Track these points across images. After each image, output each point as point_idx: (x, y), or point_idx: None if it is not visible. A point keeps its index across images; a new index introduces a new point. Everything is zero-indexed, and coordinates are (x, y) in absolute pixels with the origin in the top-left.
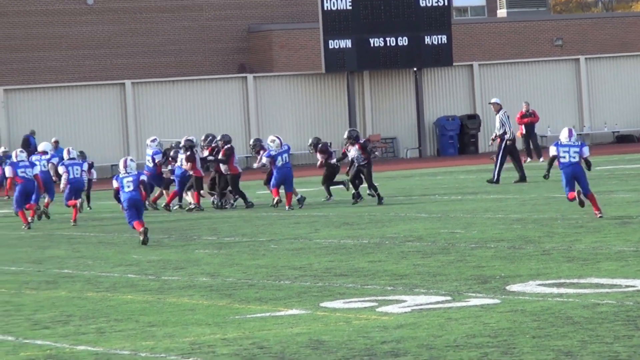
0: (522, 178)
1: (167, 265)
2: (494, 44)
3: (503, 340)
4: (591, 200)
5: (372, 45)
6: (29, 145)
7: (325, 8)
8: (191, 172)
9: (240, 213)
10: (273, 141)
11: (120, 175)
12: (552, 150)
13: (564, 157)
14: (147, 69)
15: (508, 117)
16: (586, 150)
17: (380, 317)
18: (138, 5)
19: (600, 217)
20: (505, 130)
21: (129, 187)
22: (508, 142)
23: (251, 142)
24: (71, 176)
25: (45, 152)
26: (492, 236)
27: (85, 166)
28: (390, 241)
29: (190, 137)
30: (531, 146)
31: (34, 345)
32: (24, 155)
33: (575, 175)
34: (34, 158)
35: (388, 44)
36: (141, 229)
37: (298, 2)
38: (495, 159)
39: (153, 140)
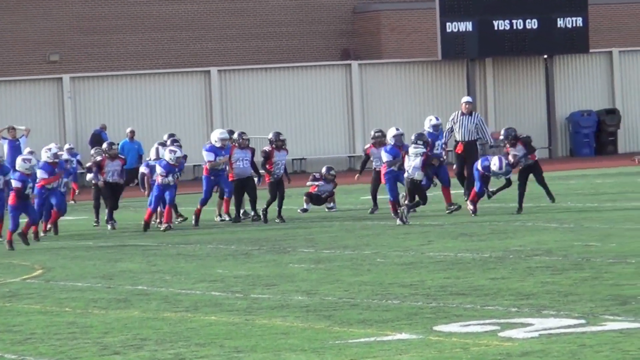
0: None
1: (256, 282)
2: (638, 28)
3: None
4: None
5: (496, 28)
6: (100, 142)
7: None
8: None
9: (343, 222)
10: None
11: None
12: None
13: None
14: (237, 54)
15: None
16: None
17: (503, 343)
18: None
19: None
20: (481, 136)
21: None
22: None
23: (373, 132)
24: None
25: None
26: (633, 250)
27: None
28: (515, 255)
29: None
30: None
31: None
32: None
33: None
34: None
35: (515, 27)
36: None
37: None
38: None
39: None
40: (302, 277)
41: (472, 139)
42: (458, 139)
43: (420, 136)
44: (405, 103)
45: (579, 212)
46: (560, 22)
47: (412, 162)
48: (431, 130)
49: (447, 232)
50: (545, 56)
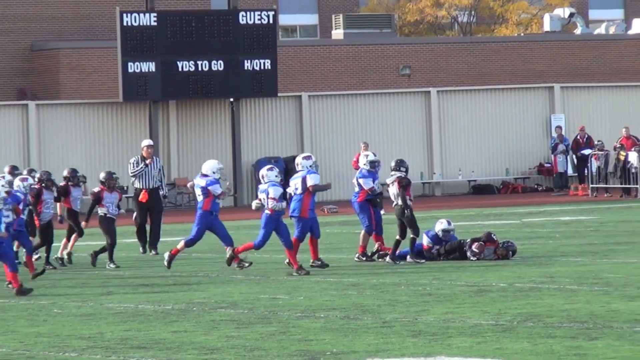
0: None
1: None
2: (328, 72)
3: None
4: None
5: (180, 69)
6: None
7: (125, 23)
8: None
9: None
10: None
11: None
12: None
13: None
14: None
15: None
16: None
17: None
18: None
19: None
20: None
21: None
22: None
23: (105, 173)
24: None
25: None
26: (321, 303)
27: None
28: (198, 307)
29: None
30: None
31: None
32: None
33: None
34: None
35: (200, 69)
36: None
37: (92, 15)
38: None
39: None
40: None
41: (157, 185)
42: (139, 187)
43: (401, 162)
44: (84, 146)
45: (267, 264)
46: (247, 65)
47: (391, 190)
48: (368, 168)
49: (127, 283)
50: (232, 100)
